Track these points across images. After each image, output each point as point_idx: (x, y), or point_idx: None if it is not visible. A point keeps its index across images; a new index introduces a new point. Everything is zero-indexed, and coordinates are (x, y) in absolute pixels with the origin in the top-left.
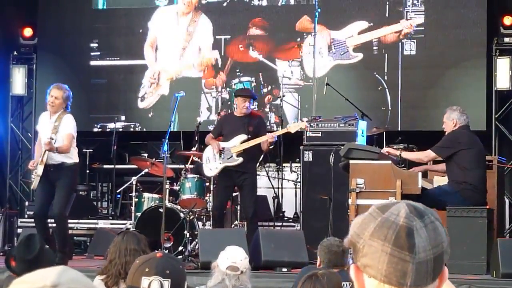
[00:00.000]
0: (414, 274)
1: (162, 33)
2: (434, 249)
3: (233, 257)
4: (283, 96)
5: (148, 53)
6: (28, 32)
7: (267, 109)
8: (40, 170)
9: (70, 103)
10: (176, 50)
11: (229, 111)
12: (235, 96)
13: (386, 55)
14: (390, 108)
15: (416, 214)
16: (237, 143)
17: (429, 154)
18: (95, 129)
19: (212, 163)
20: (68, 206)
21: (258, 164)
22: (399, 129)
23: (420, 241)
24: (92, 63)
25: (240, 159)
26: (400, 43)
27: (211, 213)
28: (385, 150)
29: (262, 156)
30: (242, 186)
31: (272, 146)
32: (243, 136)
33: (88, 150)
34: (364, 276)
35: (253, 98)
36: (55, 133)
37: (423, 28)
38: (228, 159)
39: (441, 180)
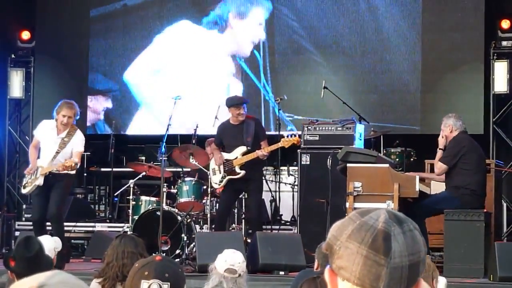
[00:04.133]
0: (387, 278)
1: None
2: (410, 257)
3: (231, 260)
4: (281, 99)
5: None
6: (25, 35)
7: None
8: (40, 180)
9: (76, 119)
10: None
11: (227, 120)
12: (227, 107)
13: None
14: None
15: (395, 221)
16: (238, 155)
17: (440, 166)
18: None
19: (217, 176)
20: (65, 208)
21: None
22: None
23: (396, 246)
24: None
25: (243, 172)
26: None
27: (213, 215)
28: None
29: None
30: (248, 192)
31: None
32: (243, 148)
33: (85, 154)
34: (338, 279)
35: (245, 103)
36: (63, 148)
37: (420, 31)
38: (231, 172)
39: (439, 184)
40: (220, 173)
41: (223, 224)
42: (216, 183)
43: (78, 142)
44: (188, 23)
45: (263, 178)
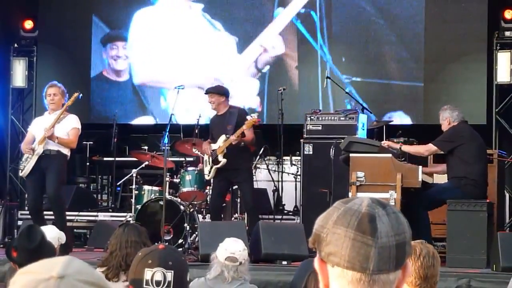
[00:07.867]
0: (376, 258)
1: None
2: (397, 237)
3: (231, 248)
4: (284, 89)
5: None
6: (28, 24)
7: None
8: (40, 149)
9: (66, 99)
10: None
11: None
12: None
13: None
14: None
15: (378, 204)
16: (220, 143)
17: (430, 147)
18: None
19: (207, 167)
20: (64, 193)
21: (258, 157)
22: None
23: (382, 226)
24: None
25: (224, 160)
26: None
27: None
28: (385, 143)
29: (262, 149)
30: (238, 182)
31: (243, 144)
32: (223, 137)
33: (88, 143)
34: (328, 267)
35: (216, 93)
36: (58, 122)
37: (423, 21)
38: (214, 161)
39: (441, 175)
40: (209, 164)
41: (218, 213)
42: (206, 174)
43: (70, 121)
44: (192, 11)
45: (251, 167)
